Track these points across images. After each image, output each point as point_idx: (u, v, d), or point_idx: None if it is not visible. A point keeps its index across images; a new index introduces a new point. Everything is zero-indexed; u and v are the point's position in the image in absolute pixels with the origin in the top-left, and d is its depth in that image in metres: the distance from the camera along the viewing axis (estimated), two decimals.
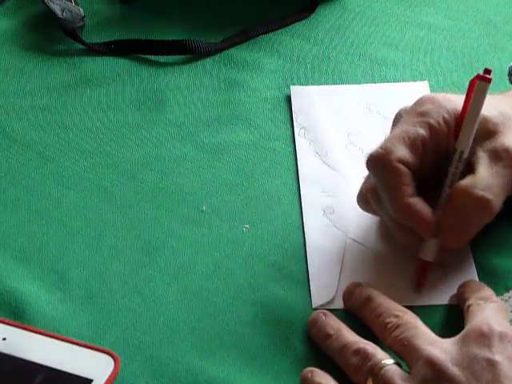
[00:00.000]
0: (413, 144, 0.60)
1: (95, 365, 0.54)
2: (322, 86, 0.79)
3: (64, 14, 0.85)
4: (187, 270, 0.63)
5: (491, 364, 0.50)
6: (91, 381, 0.53)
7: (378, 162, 0.60)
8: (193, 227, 0.66)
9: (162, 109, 0.78)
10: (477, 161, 0.61)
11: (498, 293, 0.60)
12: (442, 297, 0.60)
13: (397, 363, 0.53)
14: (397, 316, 0.56)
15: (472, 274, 0.61)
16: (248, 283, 0.62)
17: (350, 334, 0.56)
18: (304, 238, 0.65)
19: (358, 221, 0.65)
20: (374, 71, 0.81)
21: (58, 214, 0.67)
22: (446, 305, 0.60)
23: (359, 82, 0.79)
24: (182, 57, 0.84)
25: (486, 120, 0.61)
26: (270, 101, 0.78)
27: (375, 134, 0.72)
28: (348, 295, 0.59)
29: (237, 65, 0.83)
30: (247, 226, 0.66)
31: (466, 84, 0.61)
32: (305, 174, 0.70)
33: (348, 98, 0.77)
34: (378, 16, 0.89)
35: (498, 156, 0.60)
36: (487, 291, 0.58)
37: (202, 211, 0.67)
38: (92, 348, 0.55)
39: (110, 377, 0.53)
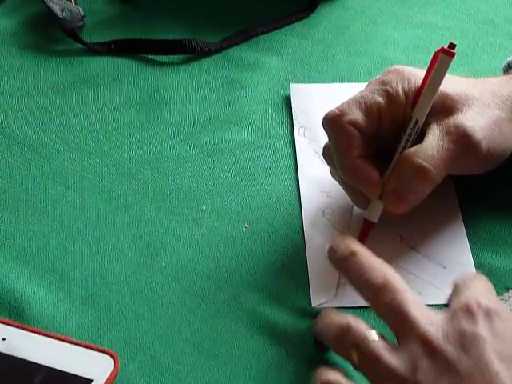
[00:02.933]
0: (368, 109, 0.63)
1: (95, 365, 0.54)
2: (321, 84, 0.80)
3: (64, 13, 0.85)
4: (187, 269, 0.63)
5: (479, 339, 0.50)
6: (91, 381, 0.53)
7: (331, 122, 0.63)
8: (193, 227, 0.66)
9: (162, 109, 0.78)
10: (428, 132, 0.62)
11: (498, 293, 0.60)
12: (442, 296, 0.59)
13: (381, 334, 0.52)
14: (382, 272, 0.54)
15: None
16: (248, 283, 0.62)
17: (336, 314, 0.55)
18: (304, 237, 0.65)
19: (357, 222, 0.65)
20: (374, 71, 0.81)
21: (58, 214, 0.67)
22: (445, 304, 0.59)
23: (359, 82, 0.79)
24: (182, 56, 0.84)
25: (446, 96, 0.63)
26: (270, 100, 0.78)
27: None
28: (332, 250, 0.57)
29: (237, 64, 0.83)
30: (247, 225, 0.66)
31: None
32: (304, 173, 0.70)
33: (348, 97, 0.77)
34: (377, 15, 0.89)
35: (447, 131, 0.62)
36: (479, 274, 0.58)
37: (202, 211, 0.67)
38: (92, 348, 0.55)
39: (109, 377, 0.53)
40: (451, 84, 0.64)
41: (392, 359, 0.50)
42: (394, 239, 0.64)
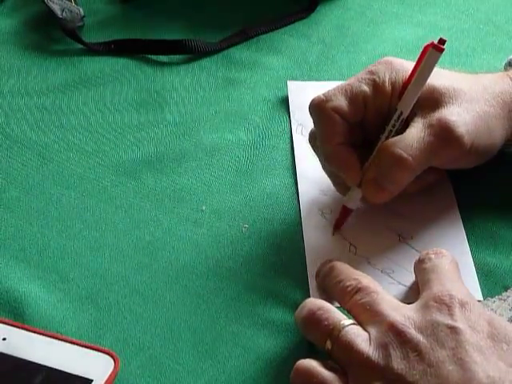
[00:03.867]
0: (353, 97, 0.63)
1: (95, 365, 0.54)
2: (319, 82, 0.80)
3: (64, 13, 0.85)
4: (187, 269, 0.63)
5: (454, 331, 0.51)
6: (91, 381, 0.53)
7: (316, 107, 0.64)
8: (193, 227, 0.66)
9: (162, 108, 0.78)
10: (411, 124, 0.63)
11: (497, 292, 0.60)
12: None
13: (355, 323, 0.53)
14: (356, 279, 0.56)
15: (471, 272, 0.61)
16: (248, 283, 0.62)
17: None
18: (303, 237, 0.65)
19: (356, 221, 0.65)
20: None
21: (58, 214, 0.67)
22: None
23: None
24: (182, 56, 0.84)
25: (434, 89, 0.64)
26: (270, 100, 0.78)
27: None
28: (317, 272, 0.61)
29: (236, 64, 0.83)
30: (246, 225, 0.66)
31: None
32: (302, 172, 0.70)
33: None
34: (377, 15, 0.89)
35: (430, 123, 0.62)
36: (442, 250, 0.59)
37: (202, 211, 0.67)
38: (92, 348, 0.55)
39: (109, 377, 0.53)
40: (440, 77, 0.64)
41: (365, 347, 0.51)
42: (392, 238, 0.64)
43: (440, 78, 0.64)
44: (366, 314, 0.54)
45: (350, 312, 0.55)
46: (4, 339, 0.55)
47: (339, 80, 0.79)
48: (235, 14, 0.89)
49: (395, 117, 0.63)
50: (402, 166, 0.61)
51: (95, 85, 0.80)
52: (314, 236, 0.65)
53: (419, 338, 0.51)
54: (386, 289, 0.58)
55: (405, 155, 0.61)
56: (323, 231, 0.65)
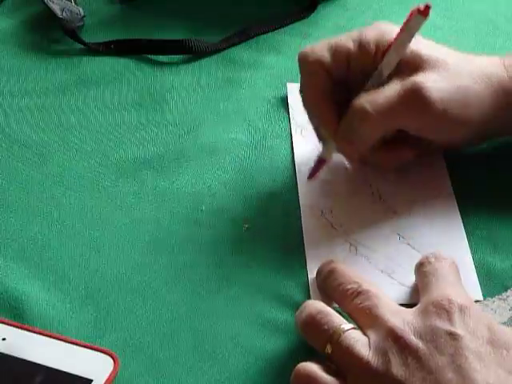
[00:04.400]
0: (337, 52, 0.66)
1: (95, 365, 0.54)
2: None
3: (64, 13, 0.85)
4: (187, 269, 0.63)
5: (454, 337, 0.50)
6: (91, 381, 0.53)
7: (301, 59, 0.68)
8: (193, 227, 0.66)
9: (162, 108, 0.78)
10: (387, 84, 0.64)
11: (497, 292, 0.60)
12: None
13: (355, 328, 0.53)
14: (357, 283, 0.56)
15: (471, 272, 0.61)
16: (248, 283, 0.62)
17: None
18: (303, 237, 0.65)
19: (357, 221, 0.65)
20: None
21: (57, 214, 0.67)
22: None
23: None
24: (182, 56, 0.84)
25: (418, 55, 0.65)
26: (270, 100, 0.78)
27: None
28: (317, 273, 0.61)
29: (237, 64, 0.83)
30: (247, 225, 0.66)
31: None
32: (302, 173, 0.70)
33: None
34: (377, 16, 0.89)
35: (404, 85, 0.64)
36: (441, 253, 0.58)
37: (202, 211, 0.67)
38: (92, 348, 0.55)
39: (109, 377, 0.53)
40: (429, 47, 0.66)
41: (365, 352, 0.51)
42: (393, 238, 0.64)
43: (429, 47, 0.66)
44: (365, 318, 0.54)
45: (350, 316, 0.55)
46: (4, 339, 0.55)
47: None
48: (235, 14, 0.89)
49: (375, 75, 0.64)
50: (365, 119, 0.63)
51: (95, 85, 0.80)
52: (315, 236, 0.65)
53: (418, 344, 0.50)
54: (386, 289, 0.58)
55: (368, 109, 0.63)
56: (324, 231, 0.65)
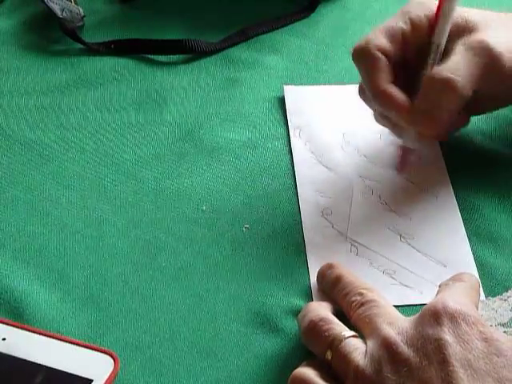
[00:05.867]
0: (392, 35, 0.66)
1: (95, 365, 0.54)
2: (316, 86, 0.79)
3: (64, 13, 0.85)
4: (187, 269, 0.63)
5: (442, 345, 0.49)
6: (91, 381, 0.53)
7: (359, 52, 0.66)
8: (193, 227, 0.66)
9: (162, 108, 0.78)
10: (452, 52, 0.65)
11: (497, 292, 0.60)
12: None
13: (356, 336, 0.53)
14: (361, 294, 0.56)
15: (472, 273, 0.61)
16: (248, 283, 0.62)
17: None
18: (304, 238, 0.65)
19: (357, 222, 0.65)
20: None
21: (57, 214, 0.67)
22: None
23: (359, 81, 0.79)
24: (182, 56, 0.84)
25: (466, 20, 0.66)
26: (270, 100, 0.78)
27: (370, 134, 0.72)
28: (321, 277, 0.60)
29: (237, 64, 0.83)
30: (247, 225, 0.66)
31: None
32: (301, 174, 0.70)
33: (342, 98, 0.77)
34: (378, 16, 0.89)
35: (470, 46, 0.64)
36: (465, 275, 0.57)
37: (202, 211, 0.67)
38: (92, 348, 0.55)
39: (109, 377, 0.53)
40: (472, 12, 0.67)
41: (361, 360, 0.51)
42: (393, 239, 0.64)
43: (471, 12, 0.67)
44: (366, 327, 0.54)
45: (354, 325, 0.55)
46: (4, 339, 0.55)
47: (339, 80, 0.80)
48: (235, 14, 0.89)
49: (433, 49, 0.65)
50: (453, 88, 0.62)
51: (95, 85, 0.80)
52: (315, 237, 0.65)
53: (409, 353, 0.50)
54: (388, 290, 0.58)
55: (454, 77, 0.62)
56: (324, 232, 0.65)
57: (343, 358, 0.52)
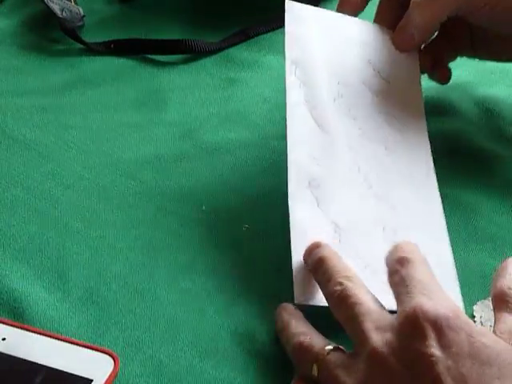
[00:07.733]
0: None
1: (95, 365, 0.54)
2: (322, 10, 0.73)
3: (64, 13, 0.85)
4: (187, 269, 0.63)
5: (432, 362, 0.47)
6: (91, 381, 0.53)
7: None
8: (193, 227, 0.66)
9: (162, 108, 0.78)
10: None
11: None
12: None
13: (339, 348, 0.52)
14: (342, 284, 0.53)
15: (450, 271, 0.60)
16: (248, 283, 0.62)
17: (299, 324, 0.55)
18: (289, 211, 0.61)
19: (343, 208, 0.62)
20: None
21: (57, 214, 0.67)
22: None
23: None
24: (182, 56, 0.84)
25: None
26: (270, 100, 0.79)
27: (366, 91, 0.69)
28: (307, 256, 0.58)
29: (237, 64, 0.83)
30: (247, 225, 0.66)
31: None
32: (293, 130, 0.64)
33: (347, 31, 0.72)
34: None
35: None
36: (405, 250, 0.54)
37: (202, 211, 0.67)
38: (92, 348, 0.55)
39: (109, 377, 0.53)
40: None
41: (346, 378, 0.50)
42: (377, 231, 0.62)
43: None
44: (350, 329, 0.52)
45: (335, 317, 0.54)
46: (4, 339, 0.55)
47: None
48: (235, 14, 0.89)
49: None
50: (421, 5, 0.67)
51: (95, 85, 0.80)
52: (300, 212, 0.61)
53: (398, 367, 0.48)
54: (369, 285, 0.55)
55: None
56: (309, 208, 0.61)
57: (327, 375, 0.51)
